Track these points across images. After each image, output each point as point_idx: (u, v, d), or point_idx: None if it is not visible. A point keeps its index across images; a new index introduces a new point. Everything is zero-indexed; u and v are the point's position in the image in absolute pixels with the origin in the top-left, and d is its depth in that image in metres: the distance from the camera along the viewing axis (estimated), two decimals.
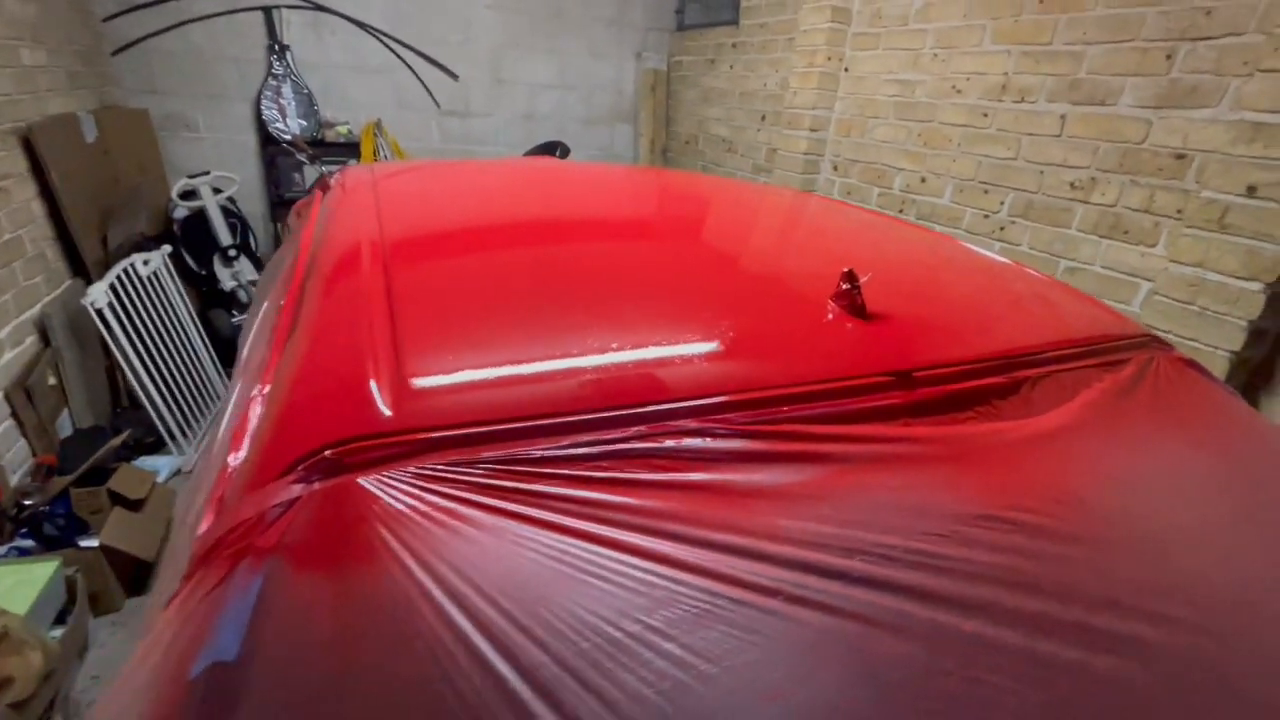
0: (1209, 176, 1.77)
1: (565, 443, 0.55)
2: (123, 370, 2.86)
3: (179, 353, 3.04)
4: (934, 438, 0.64)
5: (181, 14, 3.56)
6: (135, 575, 2.15)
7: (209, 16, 3.61)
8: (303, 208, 1.60)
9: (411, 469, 0.51)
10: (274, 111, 3.82)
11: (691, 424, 0.58)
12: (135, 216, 3.21)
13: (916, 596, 0.50)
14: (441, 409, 0.55)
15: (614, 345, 0.64)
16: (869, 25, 2.99)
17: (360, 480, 0.50)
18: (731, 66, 4.08)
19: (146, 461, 2.68)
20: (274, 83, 3.79)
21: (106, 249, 2.93)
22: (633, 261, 0.94)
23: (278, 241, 4.05)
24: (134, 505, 2.20)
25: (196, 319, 3.34)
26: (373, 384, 0.56)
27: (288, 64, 3.81)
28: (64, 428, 2.58)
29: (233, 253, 3.63)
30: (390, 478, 0.50)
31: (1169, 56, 1.93)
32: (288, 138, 3.86)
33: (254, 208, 4.02)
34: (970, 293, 0.98)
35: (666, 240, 1.12)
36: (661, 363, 0.64)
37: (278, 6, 3.73)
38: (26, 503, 2.04)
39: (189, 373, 3.08)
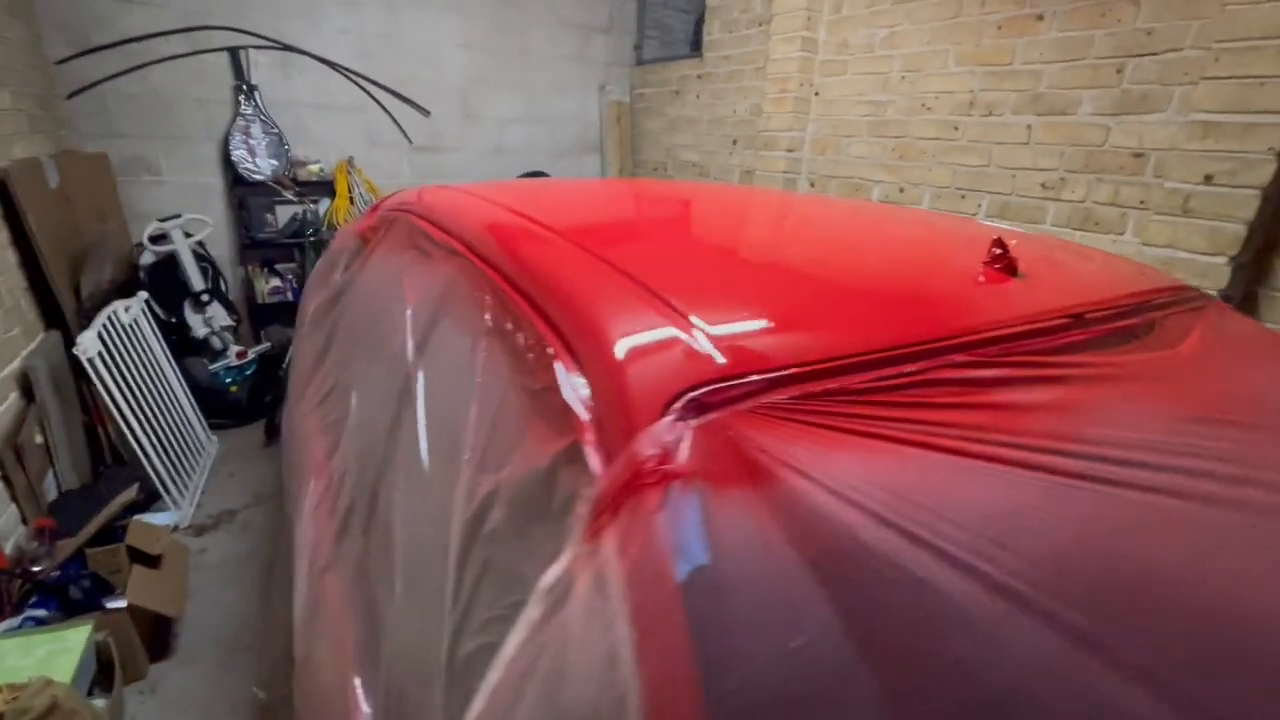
0: (1170, 169, 2.04)
1: (873, 376, 0.62)
2: (105, 425, 2.67)
3: (163, 403, 2.86)
4: (1129, 363, 0.76)
5: (141, 56, 3.43)
6: (155, 637, 2.00)
7: (172, 58, 3.50)
8: (368, 231, 1.59)
9: (766, 402, 0.57)
10: (243, 152, 3.72)
11: (960, 358, 0.67)
12: (103, 264, 3.03)
13: (1187, 474, 0.60)
14: (763, 354, 0.61)
15: (870, 298, 0.73)
16: (836, 53, 3.26)
17: (732, 413, 0.55)
18: (698, 96, 4.31)
19: (144, 520, 2.49)
20: (243, 123, 3.70)
21: (79, 298, 2.75)
22: (816, 248, 1.03)
23: (249, 285, 3.90)
24: (152, 561, 2.05)
25: (178, 369, 3.16)
26: (700, 338, 0.61)
27: (256, 104, 3.73)
28: (49, 489, 2.38)
29: (205, 298, 3.47)
30: (755, 410, 0.56)
31: (1119, 70, 2.22)
32: (259, 178, 3.76)
33: (221, 251, 3.86)
34: (1066, 258, 1.13)
35: (824, 233, 1.20)
36: (915, 311, 0.73)
37: (245, 47, 3.67)
38: (35, 569, 1.87)
39: (175, 424, 2.90)
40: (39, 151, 2.81)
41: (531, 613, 0.54)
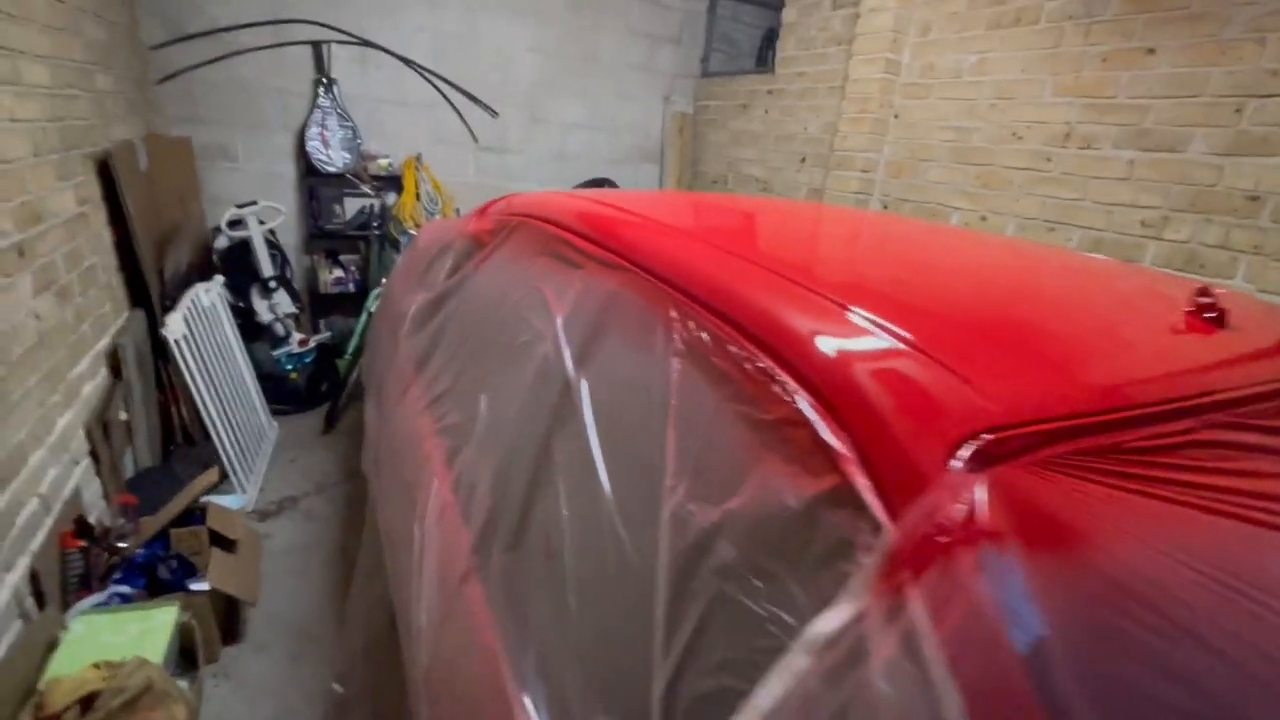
0: None
1: (1147, 434, 0.58)
2: (179, 405, 2.71)
3: (233, 387, 2.90)
4: None
5: (229, 46, 3.51)
6: (226, 621, 2.01)
7: (257, 49, 3.58)
8: (483, 234, 1.59)
9: (1049, 455, 0.54)
10: (318, 143, 3.78)
11: (1220, 417, 0.63)
12: (183, 246, 3.10)
13: None
14: (1039, 403, 0.58)
15: (1114, 348, 0.69)
16: (920, 77, 3.21)
17: (1023, 466, 0.52)
18: (766, 111, 4.28)
19: (214, 501, 2.52)
20: (320, 115, 3.76)
21: (163, 280, 2.80)
22: (1020, 290, 0.97)
23: (313, 274, 3.95)
24: (229, 545, 2.07)
25: (246, 354, 3.20)
26: (977, 381, 0.58)
27: (334, 97, 3.79)
28: (127, 467, 2.42)
29: (273, 284, 3.52)
30: (1043, 463, 0.53)
31: (1238, 110, 2.15)
32: (331, 169, 3.81)
33: (289, 239, 3.92)
34: (1249, 308, 1.07)
35: (1015, 274, 1.08)
36: (1165, 364, 0.69)
37: (327, 41, 3.73)
38: (121, 544, 1.90)
39: (243, 408, 2.94)
40: (133, 134, 2.88)
41: (800, 661, 0.51)
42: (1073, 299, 0.93)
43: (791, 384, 0.63)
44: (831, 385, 0.61)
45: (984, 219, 2.98)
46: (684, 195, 1.69)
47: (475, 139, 4.34)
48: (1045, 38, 2.67)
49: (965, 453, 0.52)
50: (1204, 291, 0.87)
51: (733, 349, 0.72)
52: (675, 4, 4.77)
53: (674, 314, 0.83)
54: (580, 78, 4.60)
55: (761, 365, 0.67)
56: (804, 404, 0.61)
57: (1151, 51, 2.35)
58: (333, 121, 3.79)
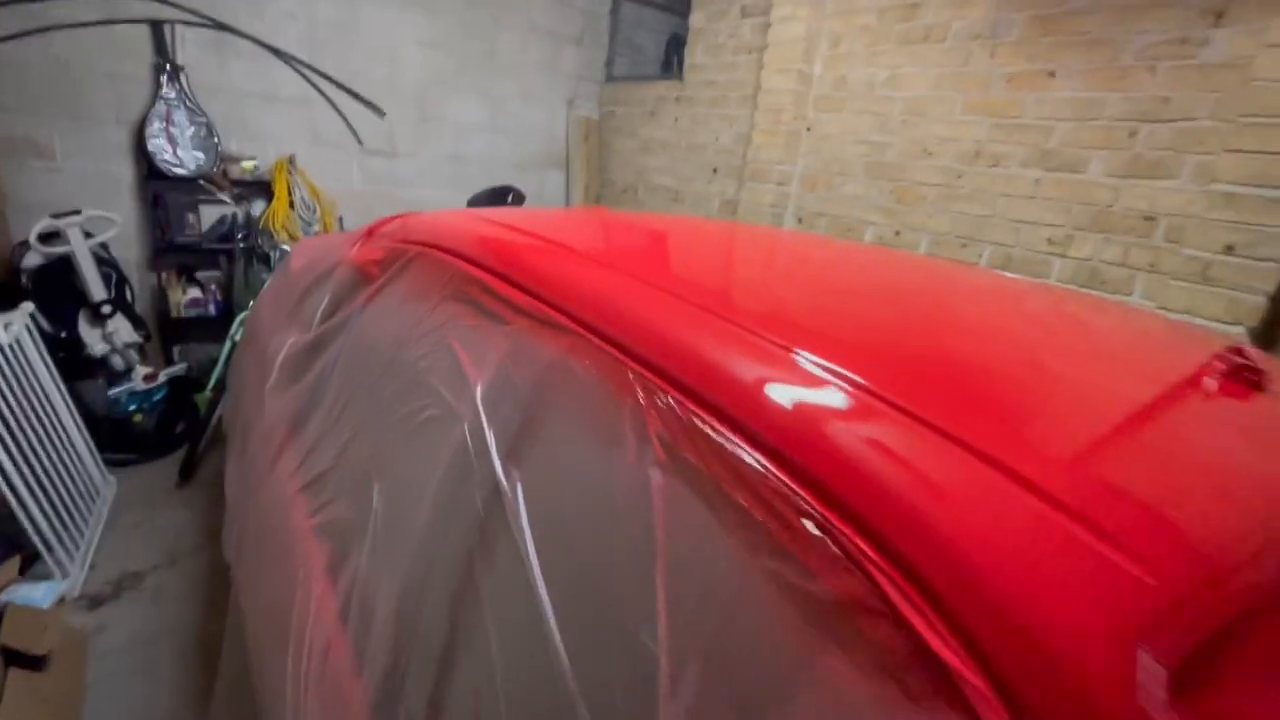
0: (1188, 236, 2.06)
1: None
2: None
3: (48, 439, 2.34)
4: None
5: (43, 18, 2.88)
6: None
7: (80, 25, 2.96)
8: (370, 265, 1.28)
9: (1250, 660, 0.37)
10: (162, 141, 3.19)
11: None
12: None
13: None
14: (1217, 580, 0.40)
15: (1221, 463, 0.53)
16: (832, 89, 3.19)
17: (1243, 684, 0.34)
18: (676, 119, 4.15)
19: (19, 593, 1.99)
20: (163, 107, 3.18)
21: None
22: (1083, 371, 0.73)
23: (162, 295, 3.35)
24: (36, 662, 1.60)
25: (67, 396, 2.61)
26: (1152, 550, 0.39)
27: (181, 87, 3.22)
28: None
29: (106, 310, 2.92)
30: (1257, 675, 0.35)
31: (1132, 134, 2.24)
32: (181, 172, 3.24)
33: (128, 254, 3.30)
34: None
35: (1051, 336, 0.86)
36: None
37: (170, 21, 3.17)
38: None
39: (62, 464, 2.38)
40: None
41: None
42: (1125, 377, 0.75)
43: (860, 545, 0.42)
44: (940, 557, 0.40)
45: (898, 234, 2.99)
46: (615, 217, 1.47)
47: (359, 141, 3.89)
48: (953, 56, 2.70)
49: (1161, 674, 0.34)
50: (1238, 351, 0.76)
51: (753, 473, 0.50)
52: (577, 2, 4.54)
53: (650, 405, 0.61)
54: (478, 76, 4.26)
55: (807, 509, 0.46)
56: (886, 580, 0.41)
57: (1053, 75, 2.42)
58: (181, 116, 3.23)
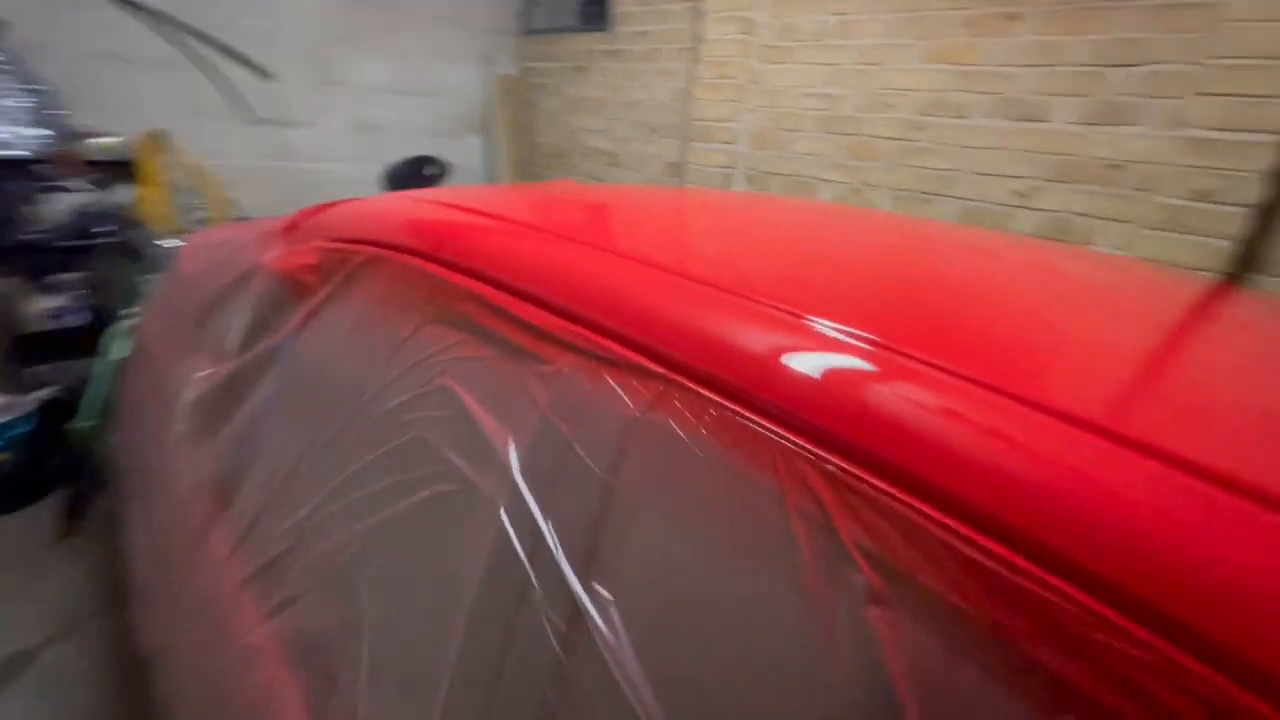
0: (1160, 184, 2.04)
1: None
2: None
3: None
4: None
5: None
6: None
7: None
8: (302, 271, 0.98)
9: None
10: None
11: None
12: None
13: None
14: None
15: None
16: (779, 38, 2.99)
17: None
18: (606, 75, 3.84)
19: None
20: None
21: None
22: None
23: (7, 306, 2.76)
24: None
25: None
26: None
27: (4, 48, 2.60)
28: None
29: None
30: None
31: (1098, 80, 2.19)
32: (11, 154, 2.64)
33: None
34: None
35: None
36: None
37: None
38: None
39: None
40: None
41: None
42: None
43: None
44: None
45: (857, 191, 2.87)
46: (601, 193, 1.22)
47: (249, 109, 3.34)
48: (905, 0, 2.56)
49: None
50: None
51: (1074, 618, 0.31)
52: None
53: (839, 499, 0.40)
54: (380, 33, 3.76)
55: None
56: None
57: (1014, 18, 2.32)
58: (5, 83, 2.61)
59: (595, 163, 4.07)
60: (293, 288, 0.99)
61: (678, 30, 3.38)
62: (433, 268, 0.76)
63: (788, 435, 0.43)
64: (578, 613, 0.49)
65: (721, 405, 0.47)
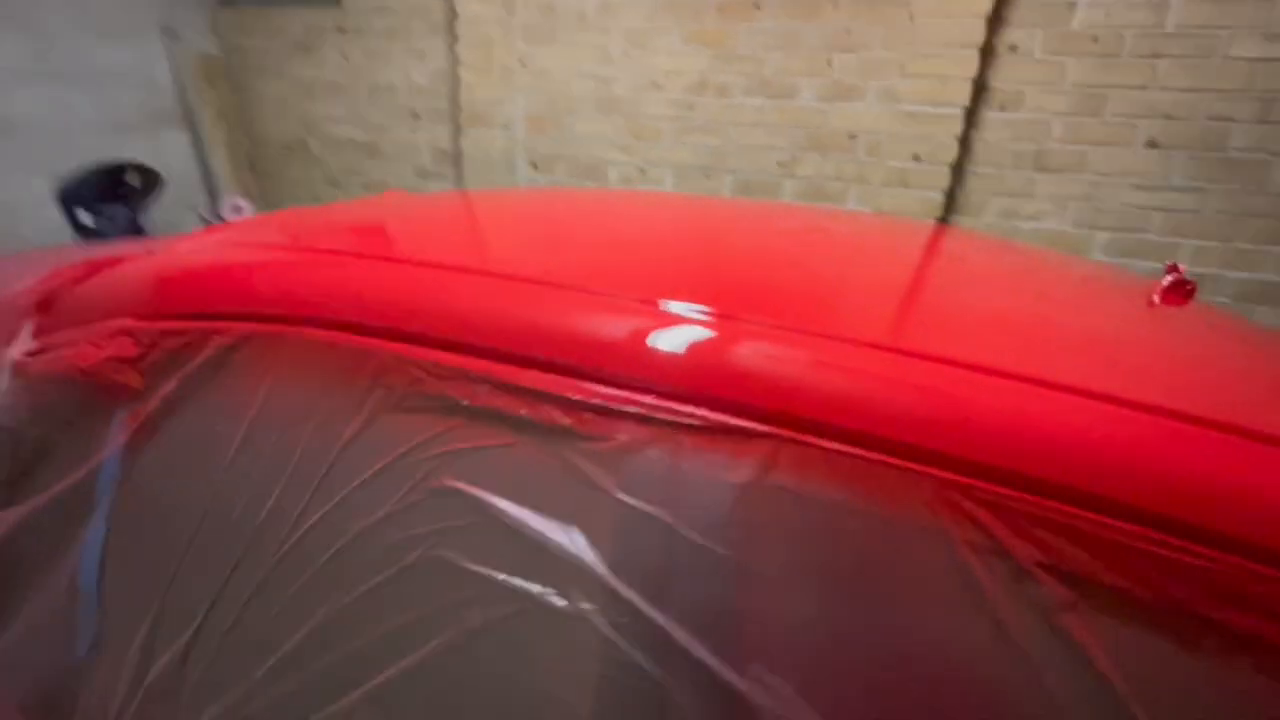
0: (887, 150, 2.49)
1: None
2: None
3: None
4: None
5: None
6: None
7: None
8: (118, 370, 0.70)
9: None
10: None
11: None
12: None
13: None
14: None
15: None
16: (540, 18, 2.92)
17: None
18: (344, 55, 3.37)
19: None
20: None
21: None
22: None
23: None
24: None
25: None
26: None
27: None
28: None
29: None
30: None
31: (829, 62, 2.56)
32: None
33: None
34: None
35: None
36: None
37: None
38: None
39: None
40: None
41: None
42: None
43: None
44: None
45: (643, 171, 2.99)
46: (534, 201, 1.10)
47: None
48: None
49: None
50: (1173, 268, 0.90)
51: None
52: None
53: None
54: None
55: None
56: None
57: (757, 5, 2.58)
58: None
59: (348, 155, 3.58)
60: (95, 393, 0.70)
61: (427, 6, 3.09)
62: (370, 342, 0.60)
63: (934, 472, 0.44)
64: (749, 711, 0.45)
65: (849, 453, 0.46)
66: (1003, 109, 2.39)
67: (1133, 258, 2.40)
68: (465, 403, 0.56)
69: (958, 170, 2.46)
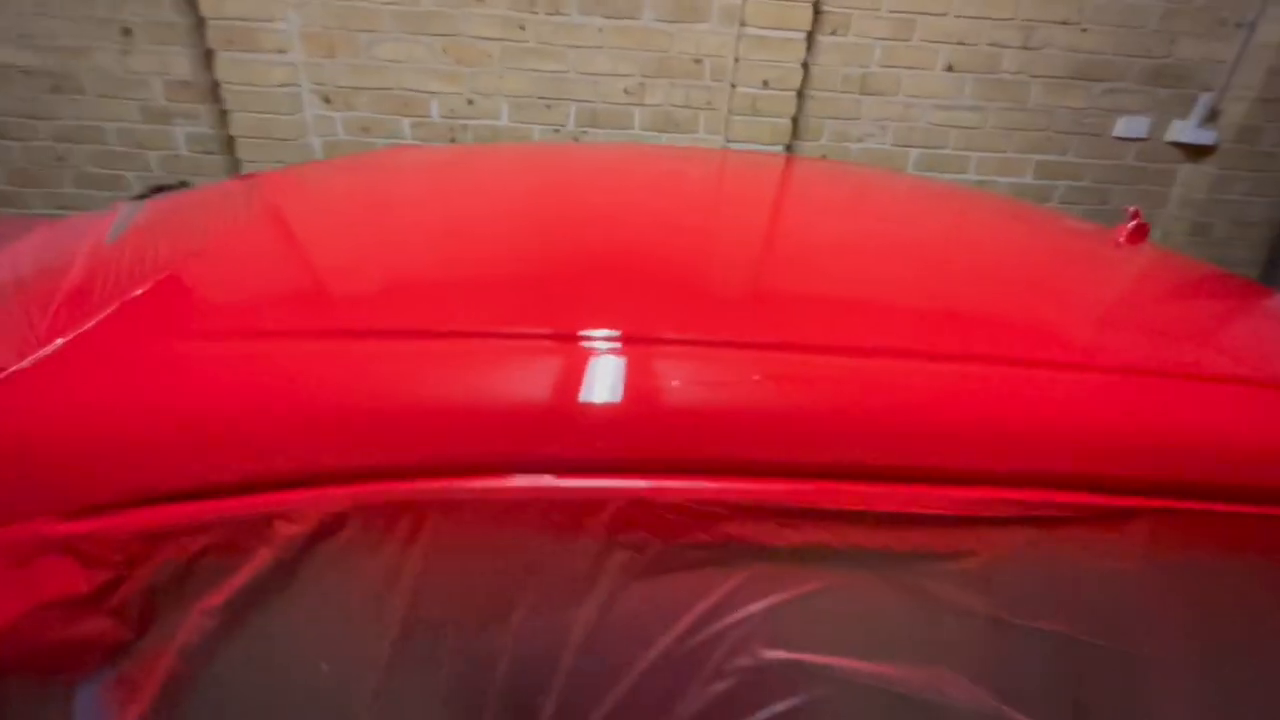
0: (739, 76, 2.46)
1: None
2: None
3: None
4: None
5: None
6: None
7: None
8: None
9: None
10: None
11: None
12: None
13: None
14: None
15: None
16: None
17: None
18: None
19: None
20: None
21: None
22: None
23: None
24: None
25: None
26: None
27: None
28: None
29: None
30: None
31: None
32: None
33: None
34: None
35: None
36: None
37: None
38: None
39: None
40: None
41: None
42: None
43: None
44: None
45: (471, 102, 2.59)
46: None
47: None
48: None
49: None
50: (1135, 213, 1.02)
51: None
52: None
53: None
54: None
55: None
56: None
57: None
58: None
59: (24, 89, 2.52)
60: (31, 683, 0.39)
61: None
62: (598, 484, 0.41)
63: None
64: None
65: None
66: (834, 33, 2.49)
67: (935, 171, 2.76)
68: (763, 544, 0.42)
69: (801, 96, 2.54)
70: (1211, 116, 2.60)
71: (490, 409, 0.42)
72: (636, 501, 0.41)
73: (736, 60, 2.45)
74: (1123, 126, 2.68)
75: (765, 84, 2.46)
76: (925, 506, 0.43)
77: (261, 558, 0.40)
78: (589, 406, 0.42)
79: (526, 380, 0.43)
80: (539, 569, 0.42)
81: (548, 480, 0.41)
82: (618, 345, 0.44)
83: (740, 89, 2.48)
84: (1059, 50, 2.55)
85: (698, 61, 2.53)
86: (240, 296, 0.55)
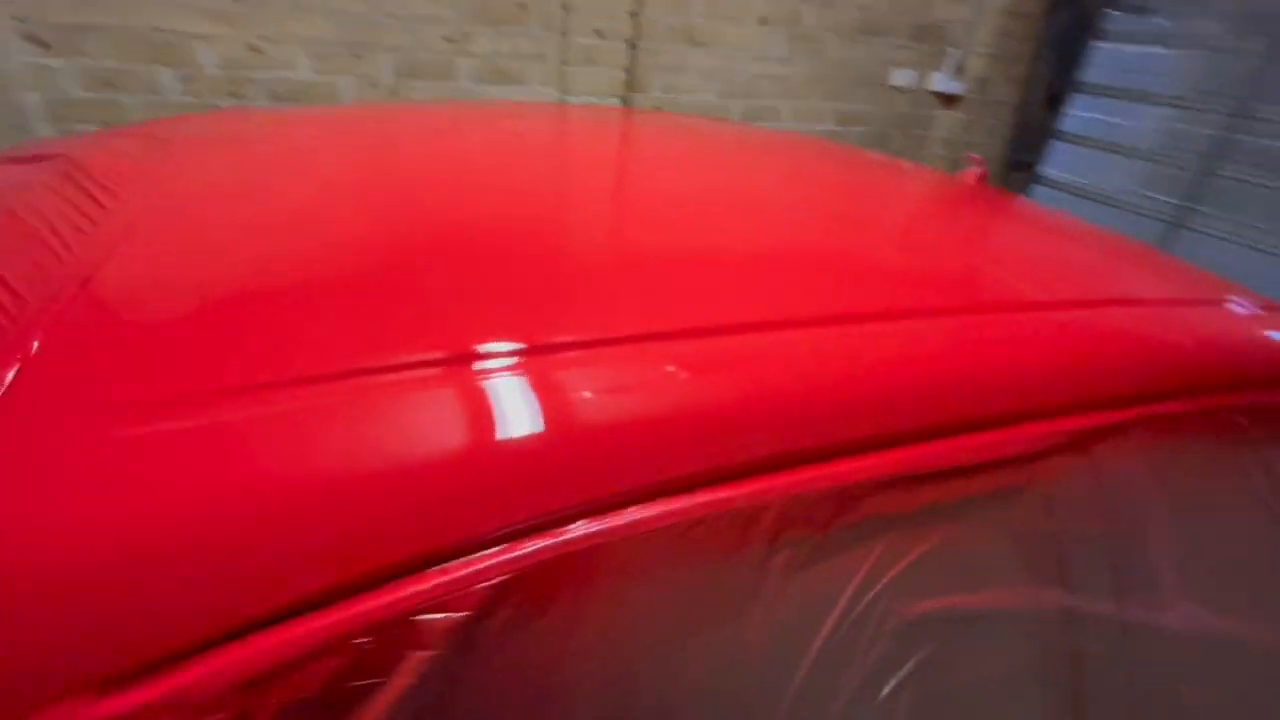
0: (570, 24, 2.36)
1: None
2: None
3: None
4: None
5: None
6: None
7: None
8: None
9: None
10: None
11: None
12: None
13: None
14: None
15: None
16: None
17: None
18: None
19: None
20: None
21: None
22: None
23: None
24: None
25: None
26: None
27: None
28: None
29: None
30: None
31: None
32: None
33: None
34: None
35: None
36: None
37: None
38: None
39: None
40: None
41: None
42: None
43: None
44: None
45: (257, 50, 2.16)
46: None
47: None
48: None
49: None
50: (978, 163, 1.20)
51: None
52: None
53: None
54: None
55: None
56: None
57: None
58: None
59: None
60: None
61: None
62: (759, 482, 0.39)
63: None
64: None
65: None
66: None
67: (755, 121, 2.95)
68: (892, 514, 0.44)
69: (634, 48, 2.52)
70: (960, 70, 3.10)
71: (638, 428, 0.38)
72: (797, 498, 0.41)
73: (564, 7, 2.35)
74: (897, 77, 3.09)
75: (599, 34, 2.40)
76: (1003, 451, 0.49)
77: (406, 668, 0.32)
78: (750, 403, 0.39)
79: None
80: (708, 589, 0.39)
81: (707, 495, 0.39)
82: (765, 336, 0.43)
83: (574, 38, 2.38)
84: (850, 6, 2.83)
85: (522, 6, 2.37)
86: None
